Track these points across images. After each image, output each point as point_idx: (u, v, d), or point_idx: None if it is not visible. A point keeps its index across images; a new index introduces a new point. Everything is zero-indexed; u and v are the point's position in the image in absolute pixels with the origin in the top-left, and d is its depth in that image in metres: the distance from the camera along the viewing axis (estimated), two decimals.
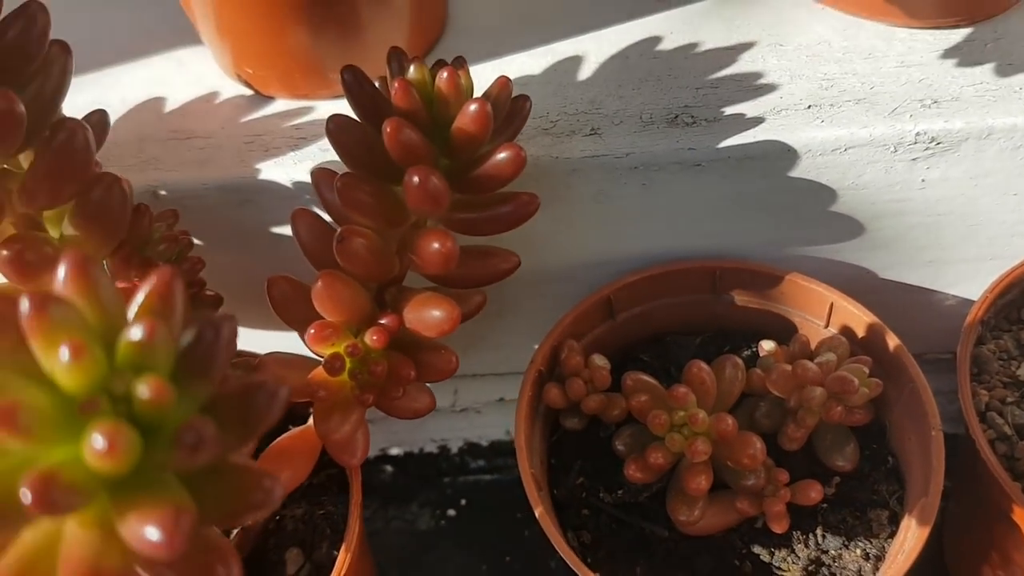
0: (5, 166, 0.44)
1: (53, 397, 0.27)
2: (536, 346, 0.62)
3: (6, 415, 0.25)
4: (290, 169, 0.58)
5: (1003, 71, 0.58)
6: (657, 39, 0.63)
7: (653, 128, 0.57)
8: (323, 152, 0.59)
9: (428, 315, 0.50)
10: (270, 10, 0.57)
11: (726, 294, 0.61)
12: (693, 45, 0.62)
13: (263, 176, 0.58)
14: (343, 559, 0.52)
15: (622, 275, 0.60)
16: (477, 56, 0.62)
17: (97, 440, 0.26)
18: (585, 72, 0.61)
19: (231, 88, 0.64)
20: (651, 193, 0.58)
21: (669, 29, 0.63)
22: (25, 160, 0.45)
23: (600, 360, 0.57)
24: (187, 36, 0.65)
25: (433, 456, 0.79)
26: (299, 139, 0.60)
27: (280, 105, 0.63)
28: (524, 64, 0.62)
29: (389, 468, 0.79)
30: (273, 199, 0.59)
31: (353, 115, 0.51)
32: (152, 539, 0.26)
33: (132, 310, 0.30)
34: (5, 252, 0.42)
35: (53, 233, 0.46)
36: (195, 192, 0.58)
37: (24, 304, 0.27)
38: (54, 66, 0.44)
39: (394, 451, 0.80)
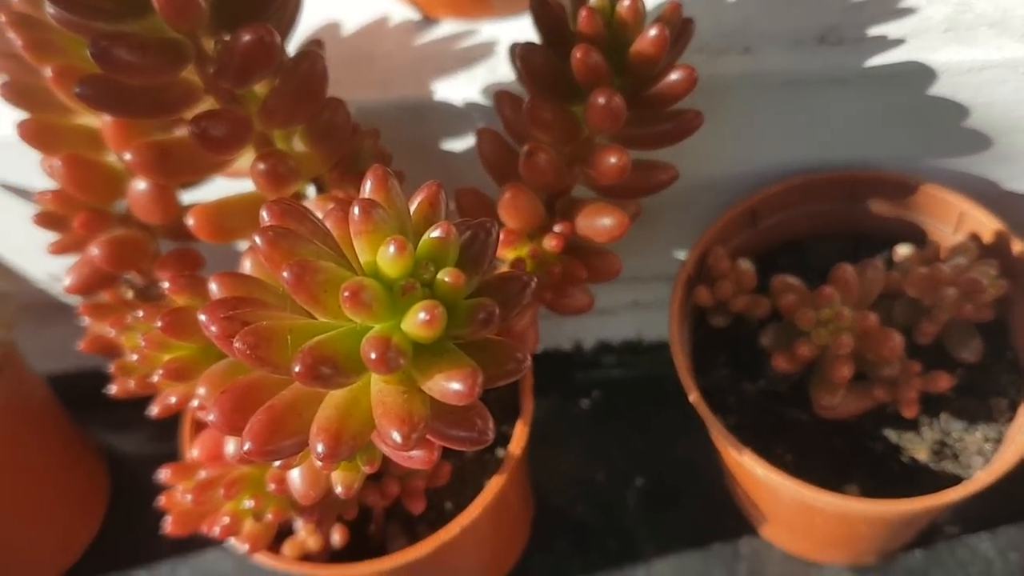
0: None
1: (378, 282, 0.34)
2: (674, 253, 0.67)
3: (354, 293, 0.32)
4: (461, 89, 0.64)
5: None
6: None
7: (803, 47, 0.61)
8: (490, 73, 0.64)
9: (599, 223, 0.56)
10: None
11: (862, 203, 0.66)
12: None
13: (438, 96, 0.64)
14: (521, 431, 0.59)
15: (764, 185, 0.66)
16: None
17: (421, 315, 0.32)
18: None
19: (400, 11, 0.69)
20: (797, 108, 0.62)
21: None
22: (258, 85, 0.52)
23: (746, 264, 0.63)
24: None
25: (567, 354, 0.86)
26: (468, 60, 0.66)
27: (447, 28, 0.68)
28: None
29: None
30: (446, 117, 0.65)
31: (527, 38, 0.57)
32: (457, 390, 0.33)
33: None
34: (262, 165, 0.49)
35: (282, 148, 0.53)
36: (378, 111, 0.64)
37: (355, 209, 0.34)
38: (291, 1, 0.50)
39: None
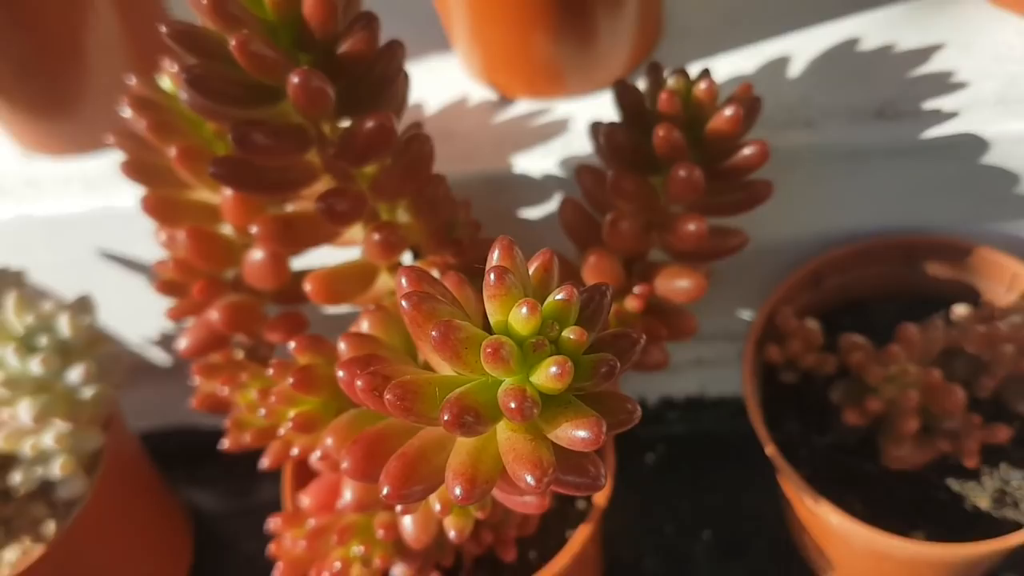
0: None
1: (511, 340, 0.38)
2: (737, 312, 0.71)
3: (495, 350, 0.36)
4: (539, 162, 0.69)
5: None
6: (856, 40, 0.71)
7: (861, 120, 0.66)
8: (565, 147, 0.69)
9: (678, 285, 0.61)
10: (522, 25, 0.67)
11: (919, 265, 0.70)
12: (889, 46, 0.70)
13: (517, 169, 0.69)
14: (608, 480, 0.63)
15: (826, 249, 0.70)
16: (692, 57, 0.72)
17: (552, 368, 0.37)
18: (793, 70, 0.70)
19: (478, 92, 0.75)
20: (857, 177, 0.67)
21: (865, 31, 0.72)
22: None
23: (813, 323, 0.67)
24: (436, 45, 0.76)
25: None
26: (544, 136, 0.71)
27: (523, 106, 0.74)
28: (736, 64, 0.72)
29: None
30: (525, 187, 0.70)
31: (599, 115, 0.62)
32: (584, 437, 0.37)
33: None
34: (376, 236, 0.54)
35: (387, 219, 0.58)
36: (463, 183, 0.69)
37: (490, 275, 0.38)
38: (400, 87, 0.55)
39: None
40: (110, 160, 0.77)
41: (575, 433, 0.38)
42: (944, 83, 0.67)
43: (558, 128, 0.71)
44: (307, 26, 0.49)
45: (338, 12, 0.49)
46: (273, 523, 0.60)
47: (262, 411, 0.53)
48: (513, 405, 0.37)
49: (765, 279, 0.72)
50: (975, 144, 0.64)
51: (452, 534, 0.49)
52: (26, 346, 0.64)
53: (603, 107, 0.70)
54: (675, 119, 0.57)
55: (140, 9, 0.74)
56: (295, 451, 0.53)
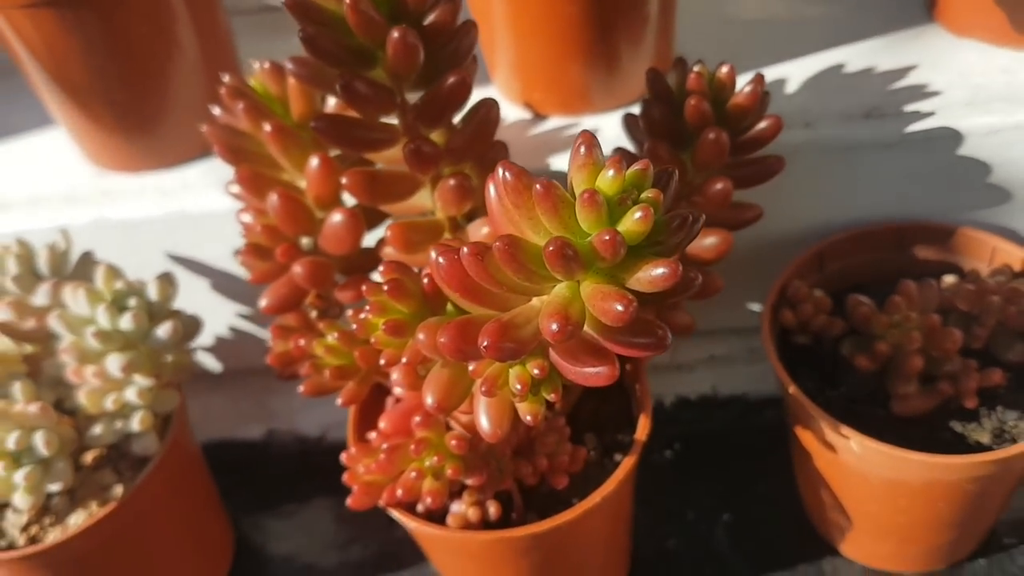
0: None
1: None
2: (747, 305, 0.80)
3: (591, 195, 0.45)
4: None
5: None
6: (841, 65, 0.83)
7: (853, 121, 0.77)
8: None
9: (707, 242, 0.70)
10: (560, 55, 0.78)
11: (909, 249, 0.79)
12: (870, 68, 0.82)
13: (553, 167, 0.79)
14: (644, 422, 0.69)
15: (828, 235, 0.79)
16: None
17: (638, 214, 0.45)
18: (790, 88, 0.82)
19: (515, 112, 0.85)
20: (852, 170, 0.77)
21: (849, 58, 0.84)
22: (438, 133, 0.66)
23: (820, 292, 0.75)
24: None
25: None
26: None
27: (555, 121, 0.84)
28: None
29: None
30: (561, 181, 0.79)
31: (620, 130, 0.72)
32: (663, 273, 0.45)
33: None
34: (452, 182, 0.63)
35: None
36: None
37: (580, 146, 0.47)
38: (472, 65, 0.65)
39: None
40: (182, 174, 0.86)
41: (655, 272, 0.46)
42: (920, 92, 0.79)
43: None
44: None
45: None
46: (347, 454, 0.66)
47: (353, 326, 0.60)
48: (607, 238, 0.45)
49: (773, 273, 0.81)
50: (951, 136, 0.75)
51: (528, 418, 0.56)
52: (117, 306, 0.70)
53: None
54: (703, 95, 0.67)
55: (214, 40, 0.85)
56: (382, 361, 0.59)
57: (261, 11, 1.00)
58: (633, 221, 0.45)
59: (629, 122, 0.74)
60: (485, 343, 0.48)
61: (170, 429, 0.76)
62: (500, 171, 0.50)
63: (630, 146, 0.75)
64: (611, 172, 0.46)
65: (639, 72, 0.82)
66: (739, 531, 0.86)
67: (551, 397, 0.57)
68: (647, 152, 0.68)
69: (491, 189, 0.53)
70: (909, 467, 0.66)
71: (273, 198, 0.67)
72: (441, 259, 0.51)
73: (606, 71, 0.81)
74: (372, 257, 0.73)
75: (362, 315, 0.59)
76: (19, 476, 0.67)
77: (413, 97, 0.63)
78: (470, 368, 0.55)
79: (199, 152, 0.87)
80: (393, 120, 0.64)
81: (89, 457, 0.73)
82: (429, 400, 0.59)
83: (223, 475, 0.93)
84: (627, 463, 0.68)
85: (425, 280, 0.58)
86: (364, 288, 0.59)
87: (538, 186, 0.46)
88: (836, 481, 0.74)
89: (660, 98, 0.70)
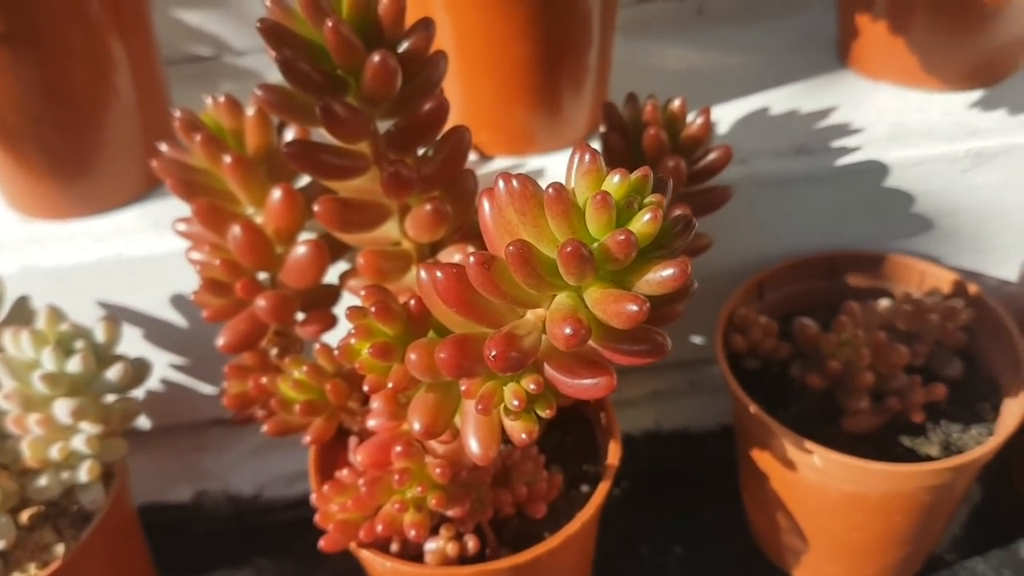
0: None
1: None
2: (690, 339, 0.82)
3: (603, 197, 0.46)
4: None
5: (1015, 112, 0.84)
6: (767, 108, 0.88)
7: (784, 157, 0.81)
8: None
9: (663, 275, 0.71)
10: (507, 97, 0.80)
11: (841, 277, 0.84)
12: (795, 110, 0.87)
13: None
14: (615, 447, 0.70)
15: (765, 267, 0.83)
16: None
17: (647, 215, 0.46)
18: (721, 129, 0.86)
19: None
20: (786, 203, 0.81)
21: (774, 102, 0.89)
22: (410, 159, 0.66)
23: (765, 319, 0.78)
24: None
25: None
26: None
27: (501, 162, 0.85)
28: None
29: None
30: None
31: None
32: (671, 274, 0.46)
33: None
34: (428, 207, 0.62)
35: None
36: None
37: (584, 155, 0.48)
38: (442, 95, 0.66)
39: None
40: (114, 219, 0.83)
41: (664, 272, 0.47)
42: (844, 130, 0.84)
43: (534, 175, 0.83)
44: (379, 25, 0.59)
45: (405, 14, 0.60)
46: (318, 494, 0.64)
47: (336, 351, 0.58)
48: (622, 237, 0.45)
49: (715, 306, 0.84)
50: (876, 169, 0.80)
51: (523, 437, 0.55)
52: (63, 349, 0.67)
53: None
54: (660, 125, 0.70)
55: (151, 85, 0.83)
56: (366, 388, 0.57)
57: (189, 61, 0.99)
58: (643, 223, 0.46)
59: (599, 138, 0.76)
60: (493, 353, 0.48)
61: (114, 482, 0.71)
62: (503, 182, 0.50)
63: None
64: (617, 178, 0.47)
65: (580, 115, 0.85)
66: (692, 561, 0.86)
67: (545, 413, 0.57)
68: None
69: (485, 204, 0.53)
70: (871, 478, 0.68)
71: (236, 230, 0.66)
72: (440, 273, 0.51)
73: (550, 113, 0.83)
74: (332, 292, 0.71)
75: (342, 342, 0.58)
76: None
77: (382, 126, 0.64)
78: (462, 387, 0.54)
79: (132, 197, 0.85)
80: (363, 148, 0.64)
81: (25, 516, 0.68)
82: (416, 425, 0.58)
83: (151, 539, 0.88)
84: (602, 488, 0.68)
85: (412, 302, 0.57)
86: (348, 313, 0.58)
87: (550, 190, 0.47)
88: (793, 500, 0.76)
89: (615, 129, 0.72)
